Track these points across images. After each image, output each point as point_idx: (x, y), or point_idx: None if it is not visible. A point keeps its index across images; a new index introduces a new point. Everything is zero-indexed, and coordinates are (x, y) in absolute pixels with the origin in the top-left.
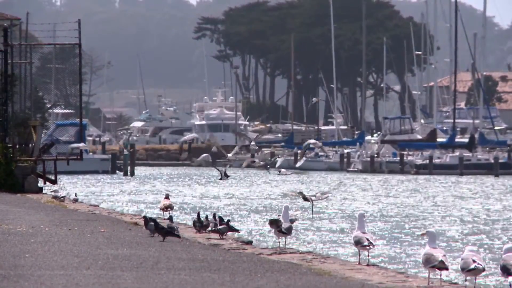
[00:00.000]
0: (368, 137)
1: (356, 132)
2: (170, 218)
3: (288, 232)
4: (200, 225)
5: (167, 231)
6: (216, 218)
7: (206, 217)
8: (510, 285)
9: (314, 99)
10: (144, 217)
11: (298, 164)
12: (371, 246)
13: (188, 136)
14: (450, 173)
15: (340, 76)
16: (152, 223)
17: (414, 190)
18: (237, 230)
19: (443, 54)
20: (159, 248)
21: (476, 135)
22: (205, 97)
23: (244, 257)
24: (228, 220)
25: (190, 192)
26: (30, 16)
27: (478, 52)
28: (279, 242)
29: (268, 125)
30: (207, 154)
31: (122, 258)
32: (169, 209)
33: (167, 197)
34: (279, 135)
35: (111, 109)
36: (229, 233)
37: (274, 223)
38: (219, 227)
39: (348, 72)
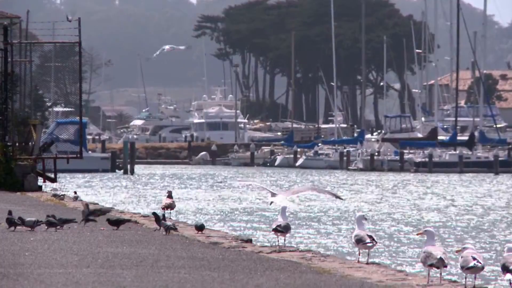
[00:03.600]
0: (368, 136)
1: (356, 130)
2: (163, 216)
3: (284, 230)
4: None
5: (16, 223)
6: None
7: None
8: (510, 283)
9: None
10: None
11: (297, 163)
12: (374, 243)
13: None
14: (450, 171)
15: (340, 74)
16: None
17: (414, 190)
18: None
19: (443, 53)
20: (159, 246)
21: (476, 133)
22: (204, 95)
23: (244, 255)
24: (163, 215)
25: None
26: (30, 15)
27: (478, 51)
28: (278, 240)
29: (268, 123)
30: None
31: (122, 256)
32: (170, 208)
33: (169, 195)
34: (279, 133)
35: (111, 107)
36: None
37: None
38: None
39: (348, 70)
